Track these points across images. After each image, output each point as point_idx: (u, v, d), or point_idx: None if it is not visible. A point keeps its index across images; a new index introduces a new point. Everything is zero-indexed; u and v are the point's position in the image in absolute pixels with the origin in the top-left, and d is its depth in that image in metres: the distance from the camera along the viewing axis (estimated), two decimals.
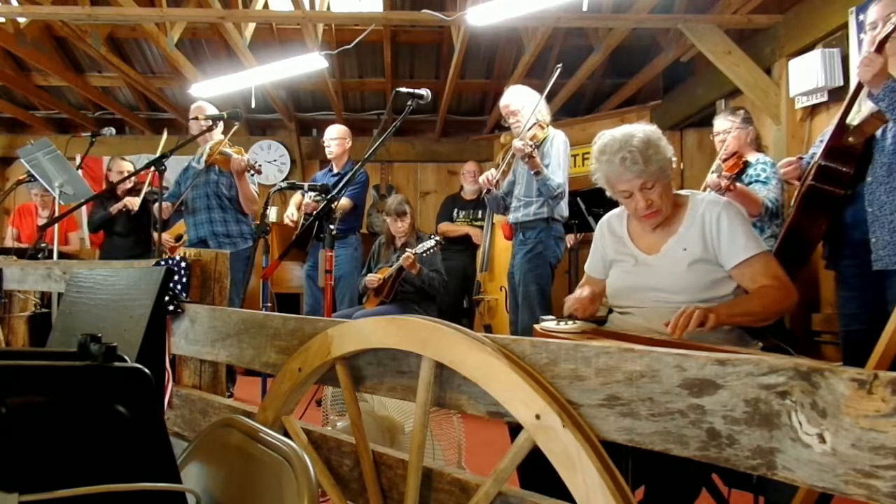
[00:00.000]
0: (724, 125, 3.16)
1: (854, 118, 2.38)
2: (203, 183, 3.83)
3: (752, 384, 0.76)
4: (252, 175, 3.87)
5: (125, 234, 4.38)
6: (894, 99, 2.10)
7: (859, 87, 2.29)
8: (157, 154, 3.17)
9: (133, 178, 4.28)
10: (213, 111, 3.87)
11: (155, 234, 3.79)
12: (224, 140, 3.77)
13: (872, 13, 2.31)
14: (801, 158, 2.62)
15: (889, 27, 2.11)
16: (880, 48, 2.13)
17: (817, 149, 2.51)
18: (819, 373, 0.71)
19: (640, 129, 1.77)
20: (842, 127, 2.38)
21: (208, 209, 3.81)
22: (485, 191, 3.62)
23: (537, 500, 1.02)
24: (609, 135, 1.81)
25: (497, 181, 3.55)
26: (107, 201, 4.49)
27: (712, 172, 3.01)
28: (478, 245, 5.11)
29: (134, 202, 4.18)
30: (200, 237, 3.79)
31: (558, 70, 3.36)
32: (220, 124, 3.84)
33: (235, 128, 3.51)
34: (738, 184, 2.86)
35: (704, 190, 2.92)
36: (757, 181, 3.00)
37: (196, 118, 3.84)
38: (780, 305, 1.67)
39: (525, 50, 5.08)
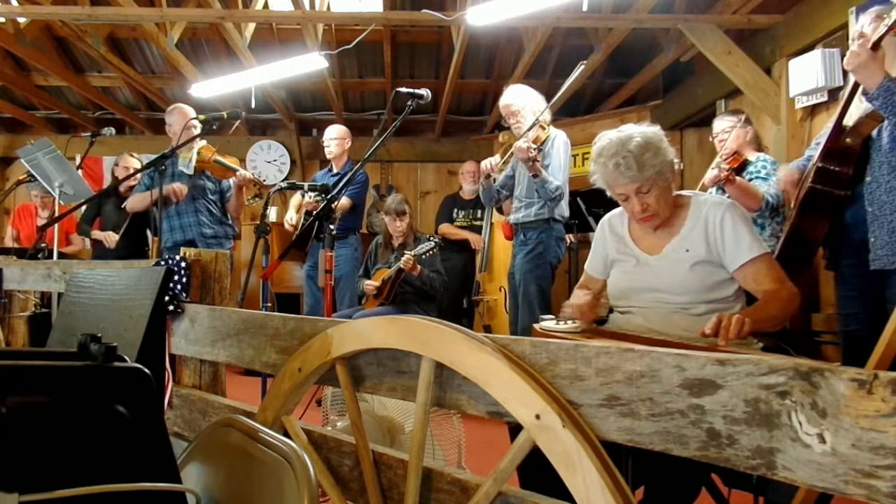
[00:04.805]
0: (724, 125, 3.20)
1: (850, 119, 2.38)
2: (189, 187, 3.77)
3: (752, 384, 0.76)
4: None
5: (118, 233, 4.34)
6: (889, 98, 2.09)
7: (855, 87, 2.29)
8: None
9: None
10: (193, 114, 3.79)
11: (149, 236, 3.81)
12: (209, 146, 3.71)
13: (864, 21, 2.30)
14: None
15: (882, 29, 2.10)
16: (875, 47, 2.12)
17: (813, 151, 2.51)
18: (819, 373, 0.71)
19: (640, 132, 1.75)
20: (839, 128, 2.37)
21: (196, 212, 3.79)
22: (483, 177, 3.56)
23: (537, 500, 1.02)
24: (607, 137, 1.79)
25: (499, 168, 3.53)
26: (106, 199, 4.49)
27: (712, 169, 3.02)
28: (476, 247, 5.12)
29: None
30: (188, 239, 3.76)
31: (580, 67, 3.33)
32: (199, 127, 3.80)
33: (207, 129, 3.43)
34: (737, 178, 2.87)
35: (703, 188, 2.93)
36: (757, 177, 3.02)
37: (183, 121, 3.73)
38: (791, 307, 1.67)
39: (525, 50, 5.08)
